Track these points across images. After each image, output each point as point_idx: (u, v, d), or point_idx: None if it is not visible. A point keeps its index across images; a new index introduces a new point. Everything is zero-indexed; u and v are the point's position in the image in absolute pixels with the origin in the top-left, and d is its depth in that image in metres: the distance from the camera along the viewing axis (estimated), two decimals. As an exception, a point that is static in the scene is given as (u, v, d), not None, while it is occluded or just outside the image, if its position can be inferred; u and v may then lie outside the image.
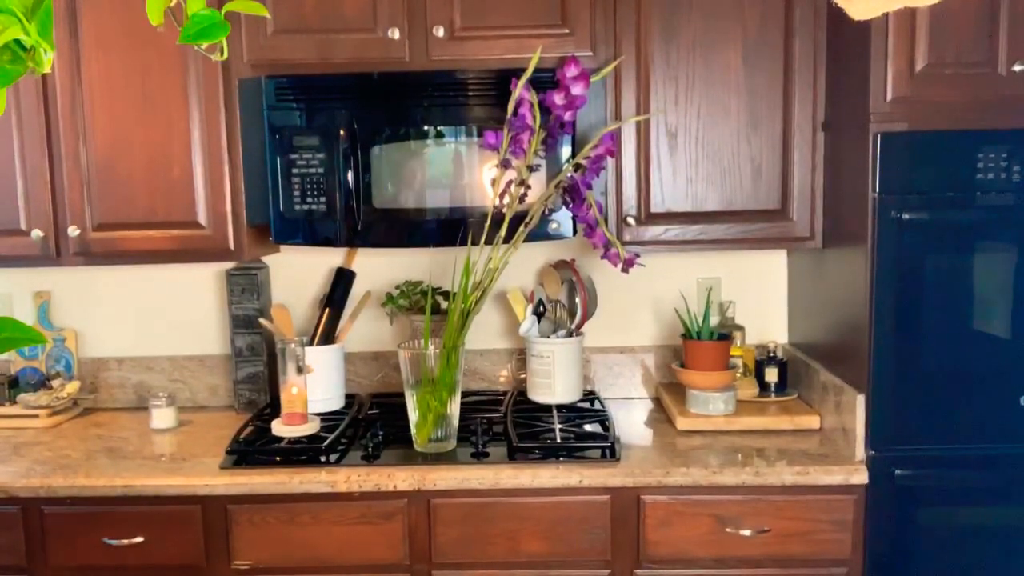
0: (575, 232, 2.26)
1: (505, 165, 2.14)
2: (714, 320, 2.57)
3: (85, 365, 2.73)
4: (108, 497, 2.08)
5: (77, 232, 2.30)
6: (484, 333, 2.65)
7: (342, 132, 2.21)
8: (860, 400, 2.04)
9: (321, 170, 2.22)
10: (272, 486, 2.05)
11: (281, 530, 2.08)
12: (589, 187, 2.14)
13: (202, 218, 2.30)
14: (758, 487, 2.04)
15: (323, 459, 2.13)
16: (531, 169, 2.13)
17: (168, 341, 2.73)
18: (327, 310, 2.53)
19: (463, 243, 2.20)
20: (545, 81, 2.13)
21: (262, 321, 2.51)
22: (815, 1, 2.20)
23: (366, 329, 2.67)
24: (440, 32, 2.20)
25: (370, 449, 2.16)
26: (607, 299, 2.61)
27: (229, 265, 2.61)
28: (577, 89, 2.09)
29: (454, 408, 2.19)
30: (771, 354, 2.50)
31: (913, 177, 1.98)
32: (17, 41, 0.65)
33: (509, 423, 2.28)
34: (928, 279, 2.01)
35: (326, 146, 2.22)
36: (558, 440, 2.20)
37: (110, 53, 2.25)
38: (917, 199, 1.98)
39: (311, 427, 2.25)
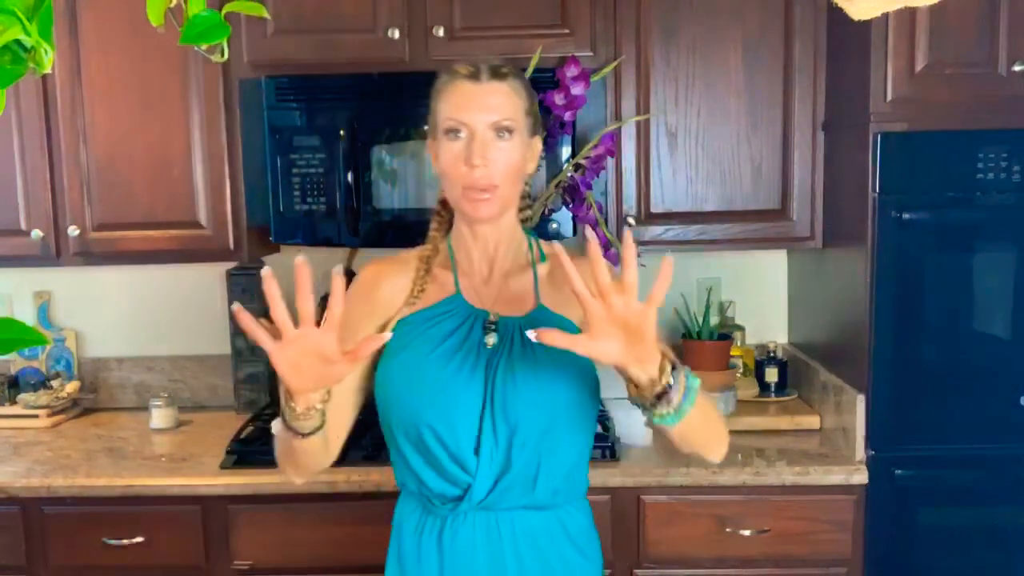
0: (575, 232, 2.26)
1: (505, 165, 2.14)
2: (714, 320, 2.57)
3: (85, 365, 2.73)
4: (108, 497, 2.08)
5: (77, 232, 2.30)
6: (484, 333, 2.65)
7: (342, 132, 2.21)
8: (860, 400, 2.04)
9: (321, 170, 2.22)
10: (272, 486, 2.05)
11: (281, 530, 2.08)
12: (589, 187, 2.14)
13: (202, 218, 2.30)
14: (758, 487, 2.04)
15: (323, 459, 2.13)
16: (531, 169, 2.13)
17: (168, 341, 2.73)
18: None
19: (463, 243, 2.20)
20: (545, 81, 2.13)
21: (262, 321, 2.50)
22: (815, 1, 2.20)
23: (366, 329, 2.67)
24: (440, 32, 2.20)
25: (371, 449, 2.16)
26: (607, 299, 2.61)
27: (229, 265, 2.61)
28: (577, 89, 2.09)
29: (454, 408, 2.19)
30: (771, 354, 2.49)
31: (913, 177, 1.98)
32: (18, 41, 0.65)
33: (509, 423, 2.28)
34: (928, 279, 2.01)
35: (326, 146, 2.22)
36: (558, 440, 2.20)
37: (110, 53, 2.25)
38: (917, 199, 1.98)
39: (311, 427, 2.25)
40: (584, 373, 1.41)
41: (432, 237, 1.50)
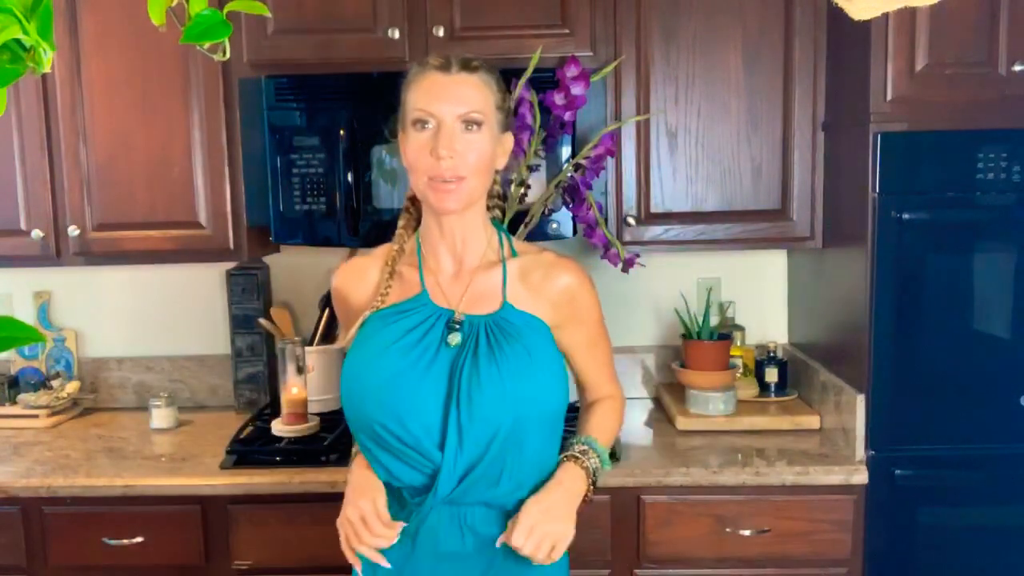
0: (575, 232, 2.26)
1: (505, 165, 2.14)
2: (714, 320, 2.57)
3: (85, 365, 2.73)
4: (108, 497, 2.08)
5: (77, 232, 2.30)
6: (484, 333, 2.64)
7: (342, 132, 2.21)
8: (860, 400, 2.04)
9: (321, 170, 2.22)
10: (272, 486, 2.05)
11: (281, 530, 2.08)
12: (589, 187, 2.14)
13: (202, 218, 2.30)
14: (758, 487, 2.04)
15: (323, 459, 2.13)
16: (531, 169, 2.13)
17: (168, 341, 2.73)
18: (327, 310, 2.53)
19: (463, 243, 2.19)
20: (545, 81, 2.13)
21: (262, 321, 2.51)
22: (815, 1, 2.20)
23: (366, 329, 2.67)
24: (440, 32, 2.20)
25: (370, 449, 2.15)
26: (607, 299, 2.60)
27: (229, 265, 2.61)
28: (577, 89, 2.09)
29: (454, 408, 2.19)
30: (771, 354, 2.49)
31: (913, 177, 1.98)
32: (17, 40, 0.65)
33: (509, 423, 2.28)
34: (928, 279, 2.01)
35: (326, 146, 2.22)
36: (558, 440, 2.20)
37: (110, 53, 2.25)
38: (917, 199, 1.98)
39: (311, 427, 2.25)
40: (552, 373, 1.42)
41: (399, 235, 1.51)
